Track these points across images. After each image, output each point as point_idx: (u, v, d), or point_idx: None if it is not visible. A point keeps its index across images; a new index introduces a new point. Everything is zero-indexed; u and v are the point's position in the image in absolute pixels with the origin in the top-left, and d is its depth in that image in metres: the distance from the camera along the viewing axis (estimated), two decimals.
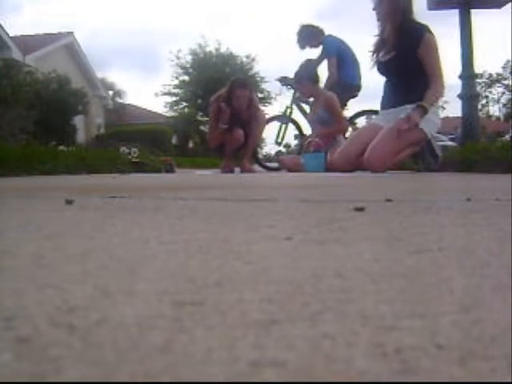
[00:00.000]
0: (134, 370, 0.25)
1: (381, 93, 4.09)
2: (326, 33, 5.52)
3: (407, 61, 3.70)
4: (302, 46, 5.53)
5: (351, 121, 5.59)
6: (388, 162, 3.60)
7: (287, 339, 0.29)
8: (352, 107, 5.75)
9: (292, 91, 5.66)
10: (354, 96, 5.45)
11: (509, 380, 0.24)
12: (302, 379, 0.24)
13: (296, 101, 5.63)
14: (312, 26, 5.53)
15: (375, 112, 6.08)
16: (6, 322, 0.32)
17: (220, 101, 4.68)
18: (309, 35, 5.46)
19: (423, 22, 3.87)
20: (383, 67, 3.94)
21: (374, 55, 3.97)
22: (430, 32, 3.79)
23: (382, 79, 3.99)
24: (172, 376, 0.24)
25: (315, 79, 5.01)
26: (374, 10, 3.92)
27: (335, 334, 0.29)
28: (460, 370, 0.25)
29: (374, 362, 0.26)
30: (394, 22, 3.79)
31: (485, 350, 0.27)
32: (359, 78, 5.42)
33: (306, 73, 4.97)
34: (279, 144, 5.98)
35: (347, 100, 5.40)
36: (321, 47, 5.48)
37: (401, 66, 3.75)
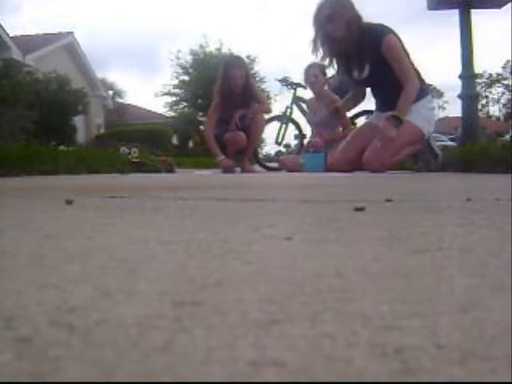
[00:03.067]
0: (134, 370, 0.25)
1: None
2: None
3: (383, 68, 3.60)
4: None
5: (351, 121, 5.59)
6: (386, 162, 3.59)
7: (287, 339, 0.29)
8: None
9: (292, 91, 5.67)
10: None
11: (509, 380, 0.24)
12: (302, 379, 0.24)
13: (296, 101, 5.64)
14: None
15: None
16: (5, 322, 0.32)
17: (217, 89, 4.72)
18: None
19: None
20: (364, 84, 3.91)
21: (349, 75, 3.90)
22: (391, 32, 3.66)
23: None
24: (172, 376, 0.24)
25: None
26: (322, 45, 3.74)
27: (335, 334, 0.29)
28: (460, 370, 0.25)
29: (374, 362, 0.26)
30: (350, 34, 3.63)
31: (485, 350, 0.27)
32: None
33: (317, 69, 4.99)
34: (279, 144, 5.98)
35: None
36: None
37: (380, 76, 3.67)
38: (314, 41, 3.78)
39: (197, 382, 0.24)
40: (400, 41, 3.70)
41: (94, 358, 0.26)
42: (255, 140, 4.85)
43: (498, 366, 0.25)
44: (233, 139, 4.63)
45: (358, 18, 3.71)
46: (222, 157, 4.59)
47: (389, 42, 3.59)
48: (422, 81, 3.79)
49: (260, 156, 6.55)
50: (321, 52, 3.78)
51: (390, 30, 3.68)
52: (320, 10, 3.73)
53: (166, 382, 0.24)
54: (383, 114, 3.81)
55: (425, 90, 3.80)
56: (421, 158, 3.84)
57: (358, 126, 5.71)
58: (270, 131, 7.77)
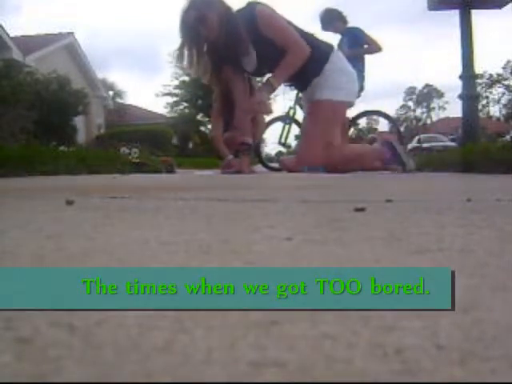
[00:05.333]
0: (135, 370, 0.25)
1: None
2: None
3: (272, 50, 3.25)
4: (326, 28, 5.52)
5: (354, 121, 5.59)
6: (320, 154, 3.29)
7: (287, 339, 0.29)
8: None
9: (295, 92, 5.67)
10: (357, 97, 5.42)
11: (509, 380, 0.24)
12: (303, 379, 0.24)
13: (299, 101, 5.64)
14: (336, 10, 5.53)
15: (377, 112, 6.07)
16: (5, 322, 0.32)
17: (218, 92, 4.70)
18: (334, 18, 5.45)
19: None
20: (260, 73, 3.61)
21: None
22: (259, 4, 3.26)
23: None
24: (172, 376, 0.24)
25: None
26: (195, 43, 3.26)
27: (336, 335, 0.29)
28: (460, 370, 0.25)
29: (374, 362, 0.26)
30: (225, 32, 3.22)
31: (485, 350, 0.27)
32: (363, 78, 5.41)
33: None
34: (283, 145, 5.98)
35: None
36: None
37: (272, 59, 3.29)
38: (189, 50, 3.31)
39: (197, 383, 0.24)
40: (273, 11, 3.32)
41: (95, 359, 0.26)
42: (256, 139, 4.85)
43: (498, 367, 0.25)
44: (231, 139, 4.62)
45: (228, 10, 3.29)
46: (230, 156, 4.56)
47: (262, 13, 3.20)
48: (320, 46, 3.39)
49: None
50: (192, 61, 3.34)
51: (257, 3, 3.29)
52: (186, 13, 3.26)
53: (167, 383, 0.24)
54: (305, 92, 3.56)
55: (323, 58, 3.38)
56: (387, 166, 3.58)
57: (359, 127, 5.71)
58: (271, 132, 7.77)
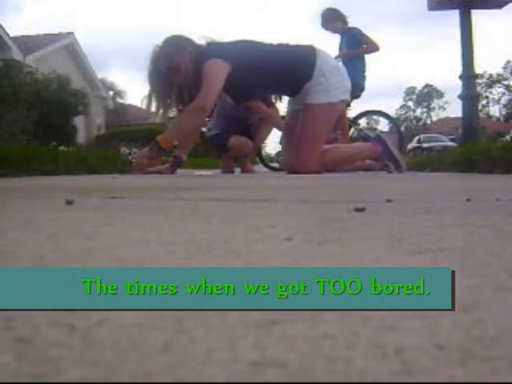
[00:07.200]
0: (134, 370, 0.25)
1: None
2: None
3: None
4: (326, 27, 5.53)
5: (354, 121, 5.59)
6: (316, 162, 3.25)
7: (287, 339, 0.29)
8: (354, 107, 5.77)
9: None
10: (357, 96, 5.41)
11: (509, 380, 0.24)
12: (303, 379, 0.24)
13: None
14: (337, 11, 5.54)
15: (378, 112, 6.07)
16: (5, 322, 0.32)
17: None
18: (335, 18, 5.46)
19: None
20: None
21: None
22: (215, 57, 3.12)
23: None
24: (172, 376, 0.24)
25: None
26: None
27: (335, 335, 0.29)
28: (460, 370, 0.25)
29: (374, 362, 0.26)
30: (198, 71, 3.13)
31: (485, 350, 0.27)
32: (364, 78, 5.41)
33: None
34: None
35: (351, 100, 5.38)
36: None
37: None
38: (157, 100, 3.26)
39: (197, 383, 0.24)
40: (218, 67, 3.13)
41: (95, 359, 0.26)
42: (259, 141, 4.84)
43: (498, 367, 0.25)
44: (237, 147, 4.56)
45: (198, 48, 3.23)
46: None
47: (209, 64, 3.10)
48: (304, 51, 3.33)
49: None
50: (159, 108, 3.30)
51: (217, 55, 3.14)
52: (156, 63, 3.17)
53: (167, 383, 0.24)
54: (293, 98, 3.58)
55: (309, 62, 3.29)
56: (380, 163, 3.54)
57: (361, 127, 5.71)
58: (271, 132, 7.76)
